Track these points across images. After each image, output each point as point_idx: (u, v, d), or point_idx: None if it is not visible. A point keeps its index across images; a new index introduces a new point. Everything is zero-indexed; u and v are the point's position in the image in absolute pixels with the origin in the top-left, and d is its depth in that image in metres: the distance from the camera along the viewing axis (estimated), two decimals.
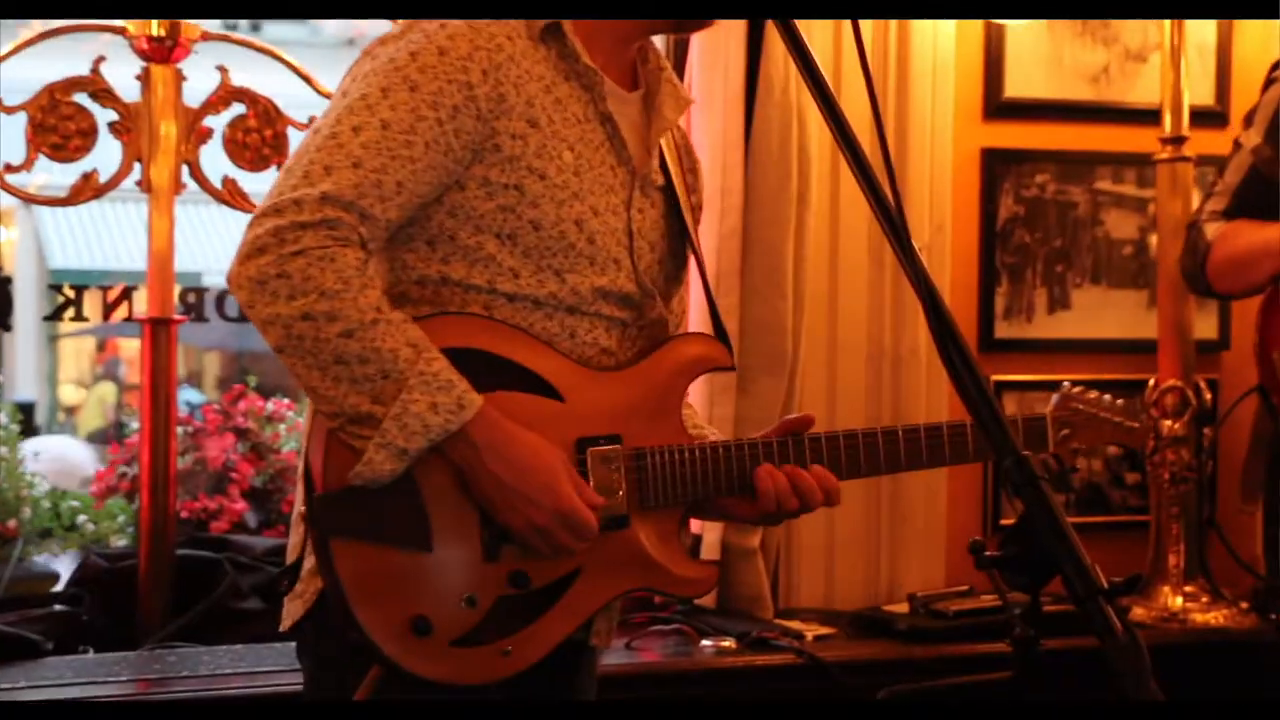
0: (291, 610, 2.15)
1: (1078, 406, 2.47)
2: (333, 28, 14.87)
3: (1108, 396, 2.50)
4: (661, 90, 2.28)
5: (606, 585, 2.15)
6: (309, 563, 2.09)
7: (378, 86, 2.02)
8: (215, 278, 9.02)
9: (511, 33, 2.10)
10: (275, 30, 13.39)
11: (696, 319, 2.92)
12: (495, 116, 2.06)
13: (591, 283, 2.13)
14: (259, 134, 3.64)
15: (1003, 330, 4.17)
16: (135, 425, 3.83)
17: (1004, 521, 4.13)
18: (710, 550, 3.72)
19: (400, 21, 2.20)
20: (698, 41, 3.78)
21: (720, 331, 2.34)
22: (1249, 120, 3.36)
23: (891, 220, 1.71)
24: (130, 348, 13.83)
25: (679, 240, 2.30)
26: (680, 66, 3.89)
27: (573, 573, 2.11)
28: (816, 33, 3.75)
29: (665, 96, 2.27)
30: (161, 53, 3.50)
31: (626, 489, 2.14)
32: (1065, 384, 2.52)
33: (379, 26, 2.92)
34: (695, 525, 3.75)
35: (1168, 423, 3.93)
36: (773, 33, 3.36)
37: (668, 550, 2.19)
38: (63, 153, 3.52)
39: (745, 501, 2.23)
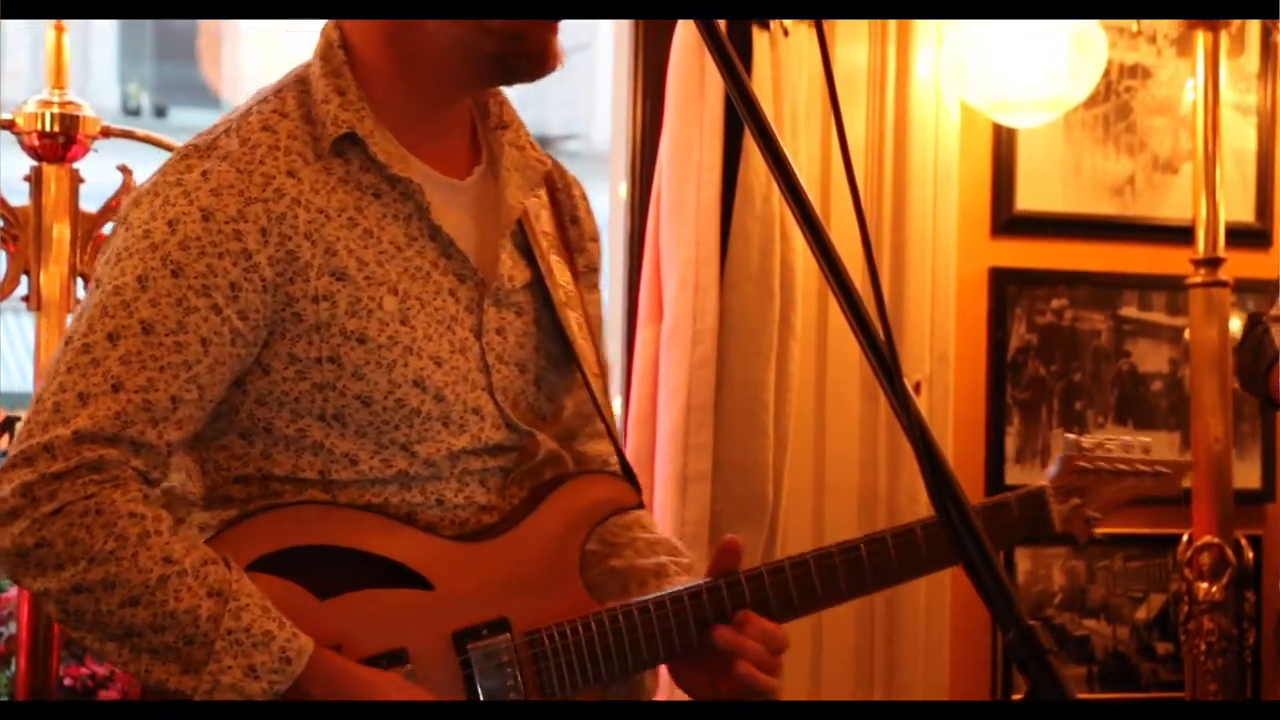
0: None
1: (1085, 465, 2.31)
2: None
3: (1125, 438, 2.37)
4: (503, 159, 2.09)
5: None
6: None
7: (133, 275, 1.89)
8: None
9: (293, 165, 1.95)
10: (184, 117, 13.47)
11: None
12: (288, 281, 1.92)
13: (449, 447, 2.00)
14: None
15: (1014, 476, 4.20)
16: None
17: (1015, 697, 4.14)
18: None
19: (171, 159, 2.00)
20: (669, 142, 3.82)
21: (616, 454, 2.19)
22: None
23: (880, 354, 1.68)
24: None
25: (558, 341, 2.12)
26: (648, 168, 3.94)
27: None
28: (804, 134, 3.76)
29: (509, 170, 2.09)
30: (55, 150, 3.52)
31: (525, 683, 2.00)
32: (1068, 436, 2.37)
33: None
34: None
35: (1204, 585, 3.95)
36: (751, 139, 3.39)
37: None
38: None
39: (694, 669, 2.08)
